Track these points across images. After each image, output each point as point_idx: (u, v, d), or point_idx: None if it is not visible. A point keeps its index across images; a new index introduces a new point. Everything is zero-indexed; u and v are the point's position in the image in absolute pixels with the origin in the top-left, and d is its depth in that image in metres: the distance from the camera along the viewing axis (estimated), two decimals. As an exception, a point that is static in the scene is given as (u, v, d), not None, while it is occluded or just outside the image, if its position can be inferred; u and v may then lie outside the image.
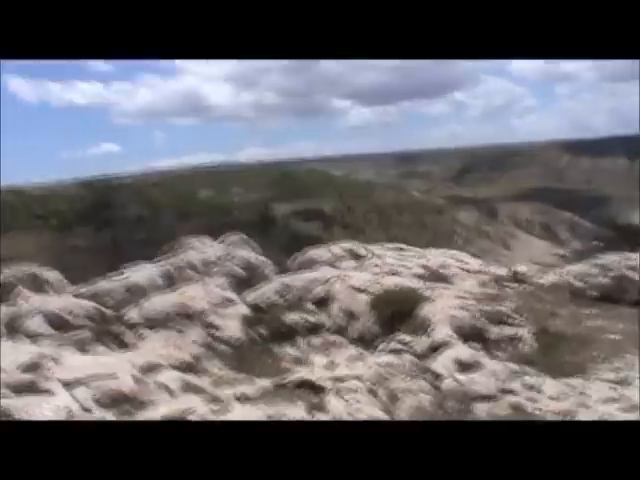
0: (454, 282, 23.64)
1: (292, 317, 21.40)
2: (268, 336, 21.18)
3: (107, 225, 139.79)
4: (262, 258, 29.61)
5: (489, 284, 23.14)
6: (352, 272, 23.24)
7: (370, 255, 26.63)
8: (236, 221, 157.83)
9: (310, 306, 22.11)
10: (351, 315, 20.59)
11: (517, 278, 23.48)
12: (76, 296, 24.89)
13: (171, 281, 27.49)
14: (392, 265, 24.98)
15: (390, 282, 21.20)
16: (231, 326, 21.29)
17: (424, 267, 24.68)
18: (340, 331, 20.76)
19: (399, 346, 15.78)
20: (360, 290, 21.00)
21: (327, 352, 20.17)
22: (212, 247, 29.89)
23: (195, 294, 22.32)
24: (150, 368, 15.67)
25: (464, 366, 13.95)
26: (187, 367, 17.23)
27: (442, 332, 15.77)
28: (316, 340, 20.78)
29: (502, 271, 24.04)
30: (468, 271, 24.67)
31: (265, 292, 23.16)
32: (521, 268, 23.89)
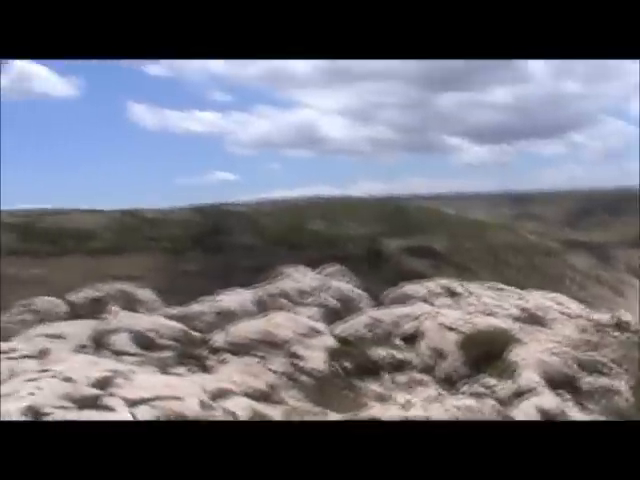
0: (552, 326, 22.40)
1: (379, 352, 20.65)
2: (352, 370, 20.48)
3: (219, 251, 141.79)
4: (358, 291, 29.07)
5: (590, 330, 21.78)
6: (444, 309, 22.32)
7: (467, 294, 25.63)
8: (345, 254, 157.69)
9: (398, 342, 21.32)
10: (439, 354, 19.71)
11: (621, 326, 22.01)
12: (167, 317, 24.94)
13: (263, 308, 27.20)
14: (488, 305, 23.93)
15: (483, 322, 20.20)
16: (315, 357, 20.70)
17: (522, 309, 23.53)
18: (427, 369, 19.89)
19: (482, 389, 14.83)
20: (450, 328, 20.08)
21: (411, 390, 19.34)
22: (308, 277, 29.54)
23: (282, 322, 21.84)
24: (221, 394, 15.21)
25: (548, 415, 12.90)
26: (261, 396, 16.70)
27: (529, 377, 14.73)
28: (401, 377, 19.95)
29: (605, 318, 22.58)
30: (569, 316, 23.35)
31: (354, 325, 22.53)
32: (626, 316, 22.38)
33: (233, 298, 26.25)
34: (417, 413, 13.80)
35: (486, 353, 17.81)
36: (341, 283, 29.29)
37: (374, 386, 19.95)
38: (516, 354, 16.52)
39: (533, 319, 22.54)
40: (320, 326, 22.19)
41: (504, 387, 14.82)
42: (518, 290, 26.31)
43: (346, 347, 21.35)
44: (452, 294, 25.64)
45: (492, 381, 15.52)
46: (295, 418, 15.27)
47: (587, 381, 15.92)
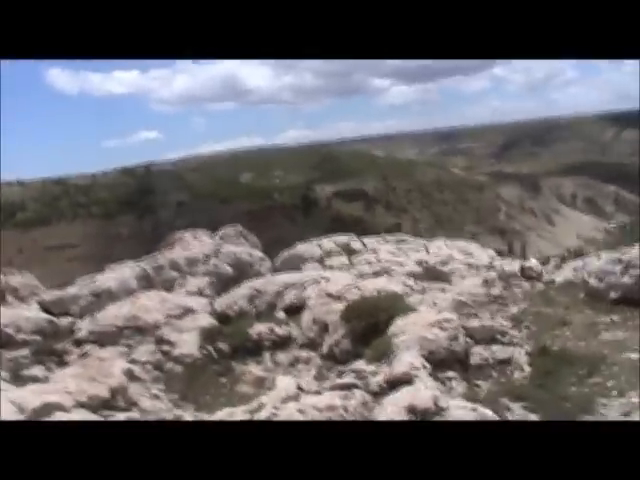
0: (454, 281, 19.84)
1: (259, 329, 17.86)
2: (229, 352, 17.69)
3: (150, 212, 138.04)
4: (258, 254, 26.14)
5: (494, 283, 19.26)
6: (333, 273, 19.59)
7: (364, 250, 22.93)
8: (278, 204, 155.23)
9: (282, 315, 18.56)
10: (324, 327, 16.98)
11: (527, 275, 19.56)
12: (40, 303, 21.84)
13: (148, 283, 24.22)
14: (385, 262, 21.28)
15: (371, 286, 17.48)
16: (186, 341, 17.84)
17: (422, 264, 20.93)
18: (312, 346, 17.19)
19: (352, 380, 12.10)
20: (336, 297, 17.33)
21: (293, 370, 16.69)
22: (202, 243, 26.50)
23: (150, 304, 18.87)
24: (42, 410, 12.25)
25: (420, 413, 10.25)
26: (102, 404, 13.76)
27: (406, 360, 12.05)
28: (283, 357, 17.25)
29: (513, 267, 20.10)
30: (476, 268, 20.79)
31: (234, 298, 19.66)
32: (531, 263, 19.94)
33: (113, 276, 23.11)
34: (266, 414, 11.07)
35: (371, 326, 15.13)
36: (237, 248, 26.31)
37: (253, 368, 17.23)
38: (398, 328, 13.84)
39: (433, 274, 19.98)
40: (195, 304, 19.26)
41: (378, 374, 12.13)
42: (422, 241, 23.71)
43: (223, 326, 18.52)
44: (350, 252, 22.90)
45: (366, 366, 12.82)
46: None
47: (479, 354, 13.33)
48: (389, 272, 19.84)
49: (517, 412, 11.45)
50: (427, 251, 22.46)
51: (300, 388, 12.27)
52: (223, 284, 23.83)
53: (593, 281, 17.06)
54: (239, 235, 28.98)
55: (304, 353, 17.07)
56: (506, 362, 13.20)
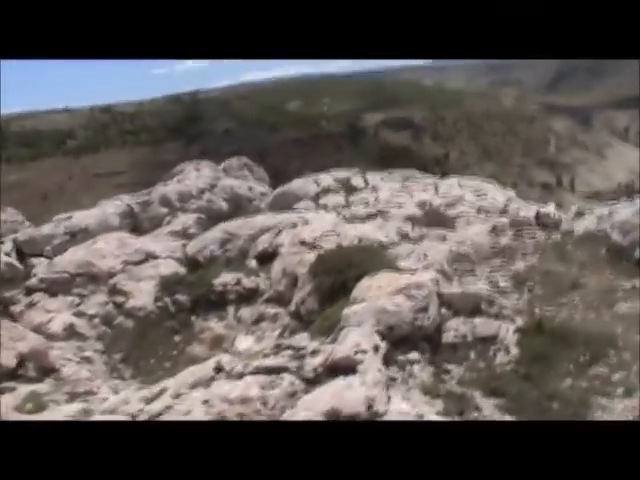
0: (458, 227, 16.81)
1: (225, 279, 15.22)
2: (188, 305, 15.13)
3: (197, 139, 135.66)
4: (260, 188, 23.32)
5: (504, 231, 16.20)
6: (316, 216, 16.71)
7: (366, 187, 19.93)
8: (325, 132, 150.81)
9: (253, 263, 15.85)
10: (294, 280, 14.25)
11: (543, 222, 16.44)
12: (14, 242, 19.53)
13: (133, 221, 21.69)
14: (385, 202, 18.29)
15: (353, 233, 14.62)
16: (142, 292, 15.31)
17: (425, 205, 17.89)
18: (280, 301, 14.51)
19: (283, 361, 9.36)
20: (310, 245, 14.53)
21: (256, 329, 14.10)
22: (198, 176, 23.75)
23: (108, 249, 16.31)
24: None
25: (345, 419, 7.52)
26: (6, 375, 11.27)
27: (352, 340, 9.26)
28: (247, 312, 14.62)
29: (529, 212, 16.96)
30: (487, 212, 17.67)
31: (205, 242, 16.97)
32: (548, 209, 16.77)
33: (92, 213, 20.61)
34: (161, 406, 8.47)
35: (339, 284, 12.35)
36: (236, 181, 23.50)
37: (214, 324, 14.67)
38: (360, 292, 10.99)
39: (436, 219, 16.98)
40: (160, 248, 16.63)
41: (318, 354, 9.36)
42: (433, 179, 20.51)
43: (189, 274, 15.90)
44: (350, 189, 19.92)
45: (309, 342, 10.05)
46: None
47: (454, 328, 10.43)
48: (385, 215, 16.88)
49: (487, 411, 8.64)
50: (436, 190, 19.35)
51: (219, 368, 9.61)
52: (214, 221, 21.19)
53: (616, 235, 13.91)
54: (243, 167, 26.07)
55: (271, 309, 14.41)
56: (489, 340, 10.27)
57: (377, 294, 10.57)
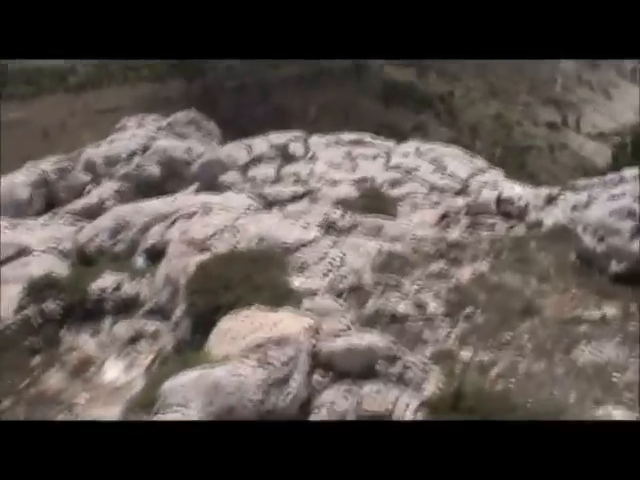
0: (401, 212, 13.36)
1: (103, 282, 11.89)
2: (58, 317, 11.85)
3: (198, 74, 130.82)
4: (198, 149, 19.84)
5: (455, 219, 12.76)
6: (222, 198, 13.27)
7: (303, 157, 16.42)
8: (328, 69, 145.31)
9: (140, 261, 12.48)
10: (175, 290, 10.92)
11: (504, 210, 12.96)
12: None
13: (47, 191, 18.38)
14: (319, 178, 14.83)
15: (255, 229, 11.22)
16: (3, 298, 12.01)
17: (364, 183, 14.41)
18: (163, 314, 11.20)
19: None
20: (198, 246, 11.13)
21: (128, 352, 10.87)
22: (133, 136, 20.27)
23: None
24: None
25: None
26: None
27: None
28: (122, 328, 11.33)
29: (491, 195, 13.48)
30: (441, 191, 14.23)
31: (96, 230, 13.55)
32: (513, 192, 13.25)
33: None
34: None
35: (212, 309, 9.00)
36: (172, 142, 20.00)
37: (84, 341, 11.44)
38: (216, 342, 7.64)
39: (375, 202, 13.51)
40: (31, 242, 13.21)
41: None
42: (388, 144, 16.96)
43: (66, 275, 12.57)
44: (284, 157, 16.40)
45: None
46: None
47: (329, 403, 7.05)
48: (313, 195, 13.45)
49: None
50: (388, 159, 15.82)
51: None
52: (143, 192, 17.83)
53: (589, 238, 10.40)
54: (190, 123, 22.49)
55: (150, 325, 11.11)
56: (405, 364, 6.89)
57: (228, 350, 7.20)
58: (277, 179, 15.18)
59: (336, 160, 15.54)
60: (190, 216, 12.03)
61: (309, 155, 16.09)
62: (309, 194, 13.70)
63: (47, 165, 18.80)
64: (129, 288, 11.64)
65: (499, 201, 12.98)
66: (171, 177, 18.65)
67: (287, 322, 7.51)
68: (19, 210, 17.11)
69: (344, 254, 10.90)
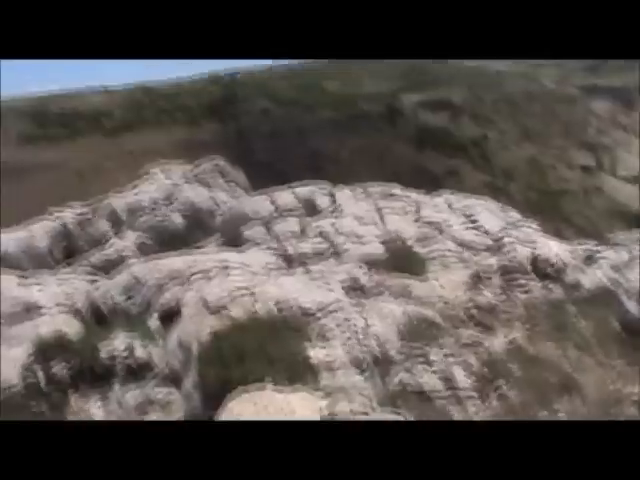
0: (430, 271, 12.56)
1: (115, 346, 11.21)
2: (68, 380, 11.17)
3: (234, 119, 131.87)
4: (224, 198, 19.30)
5: (488, 280, 11.94)
6: (243, 256, 12.58)
7: (329, 209, 15.71)
8: (363, 112, 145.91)
9: (154, 322, 11.79)
10: (187, 357, 10.19)
11: (540, 269, 12.10)
12: None
13: (68, 243, 17.86)
14: (344, 233, 14.11)
15: (274, 293, 10.50)
16: (9, 360, 11.37)
17: (391, 241, 13.67)
18: (175, 381, 10.46)
19: None
20: (213, 309, 10.42)
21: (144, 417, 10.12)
22: (155, 185, 19.77)
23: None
24: None
25: None
26: None
27: None
28: (132, 396, 10.58)
29: (523, 252, 12.66)
30: (472, 249, 13.45)
31: (109, 287, 12.92)
32: (550, 252, 12.42)
33: (15, 236, 16.85)
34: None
35: (222, 383, 8.23)
36: (197, 191, 19.46)
37: (92, 407, 10.71)
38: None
39: (402, 261, 12.72)
40: (42, 299, 12.62)
41: None
42: (417, 196, 16.21)
43: (76, 336, 11.92)
44: (310, 209, 15.73)
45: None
46: None
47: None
48: (339, 252, 12.70)
49: None
50: (417, 212, 15.07)
51: None
52: (166, 244, 17.25)
53: (633, 305, 9.52)
54: (215, 172, 22.00)
55: (160, 394, 10.37)
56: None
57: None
58: (301, 234, 14.49)
59: (363, 214, 14.83)
60: (207, 276, 11.36)
61: (335, 208, 15.38)
62: (334, 251, 12.97)
63: (68, 213, 18.34)
64: (141, 351, 10.96)
65: (534, 260, 12.14)
66: (195, 228, 18.10)
67: (300, 407, 6.73)
68: (38, 261, 16.62)
69: (368, 320, 10.12)
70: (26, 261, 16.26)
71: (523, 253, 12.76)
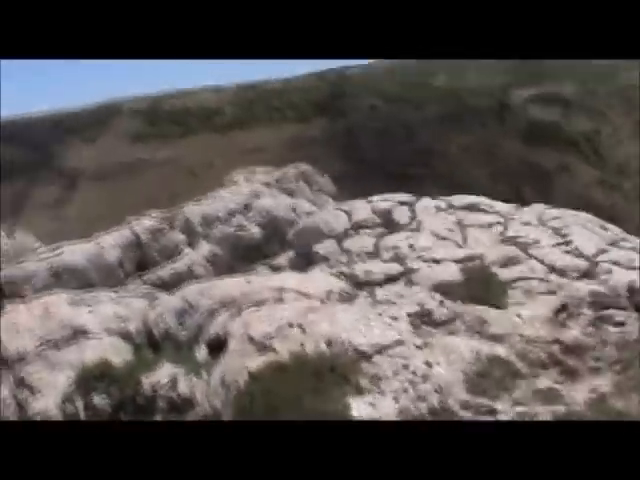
0: (508, 302, 11.06)
1: (158, 378, 10.30)
2: (108, 410, 10.34)
3: (342, 116, 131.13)
4: (305, 207, 18.38)
5: (576, 314, 10.34)
6: (304, 279, 11.40)
7: (408, 224, 14.36)
8: (471, 108, 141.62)
9: (202, 352, 10.80)
10: (229, 396, 9.12)
11: (638, 302, 10.38)
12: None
13: (139, 253, 17.25)
14: (418, 253, 12.73)
15: (324, 329, 9.30)
16: (50, 388, 10.64)
17: (470, 261, 12.21)
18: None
19: None
20: (259, 345, 9.33)
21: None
22: (233, 193, 19.05)
23: (22, 320, 11.75)
24: None
25: None
26: None
27: None
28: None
29: (618, 280, 10.95)
30: (560, 274, 11.88)
31: (162, 310, 12.03)
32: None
33: (81, 248, 16.39)
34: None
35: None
36: (275, 199, 18.59)
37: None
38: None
39: (480, 286, 11.25)
40: (90, 322, 11.83)
41: None
42: (505, 208, 14.68)
43: (123, 363, 11.07)
44: (387, 224, 14.46)
45: None
46: None
47: None
48: (410, 276, 11.35)
49: None
50: (505, 228, 13.54)
51: None
52: (241, 255, 16.45)
53: None
54: (299, 178, 21.10)
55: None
56: None
57: None
58: (374, 252, 13.22)
59: (443, 231, 13.41)
60: (259, 304, 10.22)
61: (415, 222, 14.00)
62: (406, 275, 11.60)
63: (146, 222, 17.74)
64: (184, 386, 9.92)
65: (632, 289, 10.41)
66: (273, 239, 17.20)
67: None
68: (108, 274, 16.07)
69: (431, 363, 8.72)
70: (94, 275, 15.72)
71: (621, 280, 11.02)
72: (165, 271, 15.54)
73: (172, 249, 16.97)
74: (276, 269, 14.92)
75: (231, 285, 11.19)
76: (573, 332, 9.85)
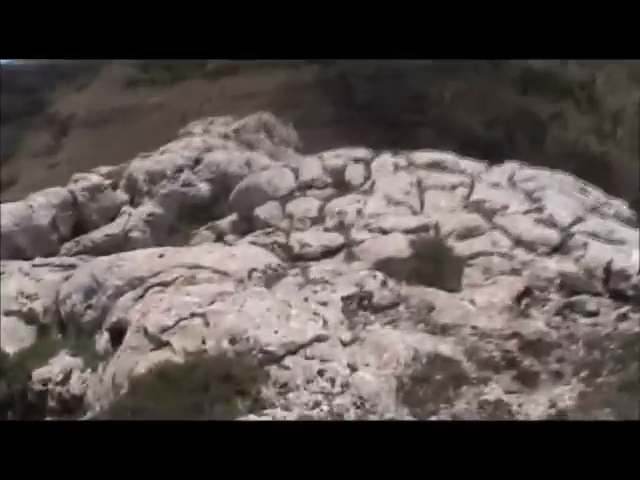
0: (465, 282, 9.43)
1: (50, 372, 8.66)
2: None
3: (333, 63, 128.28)
4: (263, 161, 16.62)
5: (542, 297, 8.72)
6: (220, 254, 9.68)
7: (362, 183, 12.61)
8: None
9: (103, 340, 9.12)
10: (115, 399, 7.48)
11: (613, 287, 8.72)
12: None
13: (74, 213, 15.50)
14: (367, 220, 11.03)
15: (227, 323, 7.62)
16: None
17: (423, 231, 10.51)
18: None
19: None
20: (153, 340, 7.65)
21: None
22: (183, 147, 17.23)
23: None
24: None
25: None
26: None
27: None
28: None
29: (600, 258, 9.27)
30: (528, 249, 10.20)
31: (71, 288, 10.32)
32: (631, 261, 8.96)
33: (12, 208, 14.63)
34: None
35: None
36: (228, 153, 16.89)
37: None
38: None
39: (432, 264, 9.63)
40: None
41: None
42: (477, 166, 12.93)
43: (18, 353, 9.42)
44: (338, 185, 12.70)
45: None
46: None
47: None
48: (353, 250, 9.72)
49: None
50: (471, 189, 11.84)
51: None
52: (186, 216, 14.80)
53: None
54: (260, 128, 19.28)
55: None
56: None
57: None
58: (319, 218, 11.47)
59: (398, 194, 11.64)
60: (166, 285, 8.52)
61: (367, 185, 12.24)
62: (347, 247, 9.90)
63: (91, 178, 15.97)
64: (76, 383, 8.28)
65: (608, 273, 8.73)
66: (222, 198, 15.41)
67: None
68: (39, 238, 14.36)
69: (356, 366, 7.08)
70: (23, 240, 14.00)
71: (597, 258, 9.33)
72: (98, 234, 13.80)
73: (113, 210, 15.20)
74: (221, 234, 13.23)
75: (141, 260, 9.46)
76: (536, 323, 8.18)
